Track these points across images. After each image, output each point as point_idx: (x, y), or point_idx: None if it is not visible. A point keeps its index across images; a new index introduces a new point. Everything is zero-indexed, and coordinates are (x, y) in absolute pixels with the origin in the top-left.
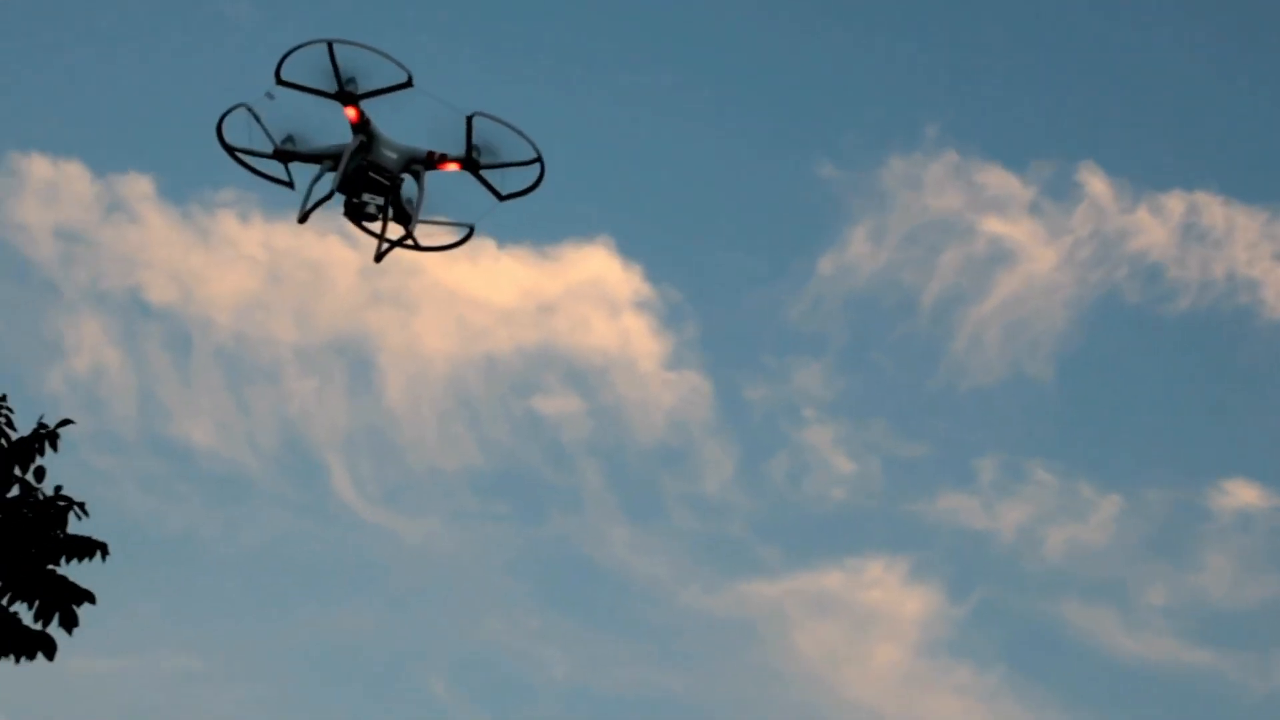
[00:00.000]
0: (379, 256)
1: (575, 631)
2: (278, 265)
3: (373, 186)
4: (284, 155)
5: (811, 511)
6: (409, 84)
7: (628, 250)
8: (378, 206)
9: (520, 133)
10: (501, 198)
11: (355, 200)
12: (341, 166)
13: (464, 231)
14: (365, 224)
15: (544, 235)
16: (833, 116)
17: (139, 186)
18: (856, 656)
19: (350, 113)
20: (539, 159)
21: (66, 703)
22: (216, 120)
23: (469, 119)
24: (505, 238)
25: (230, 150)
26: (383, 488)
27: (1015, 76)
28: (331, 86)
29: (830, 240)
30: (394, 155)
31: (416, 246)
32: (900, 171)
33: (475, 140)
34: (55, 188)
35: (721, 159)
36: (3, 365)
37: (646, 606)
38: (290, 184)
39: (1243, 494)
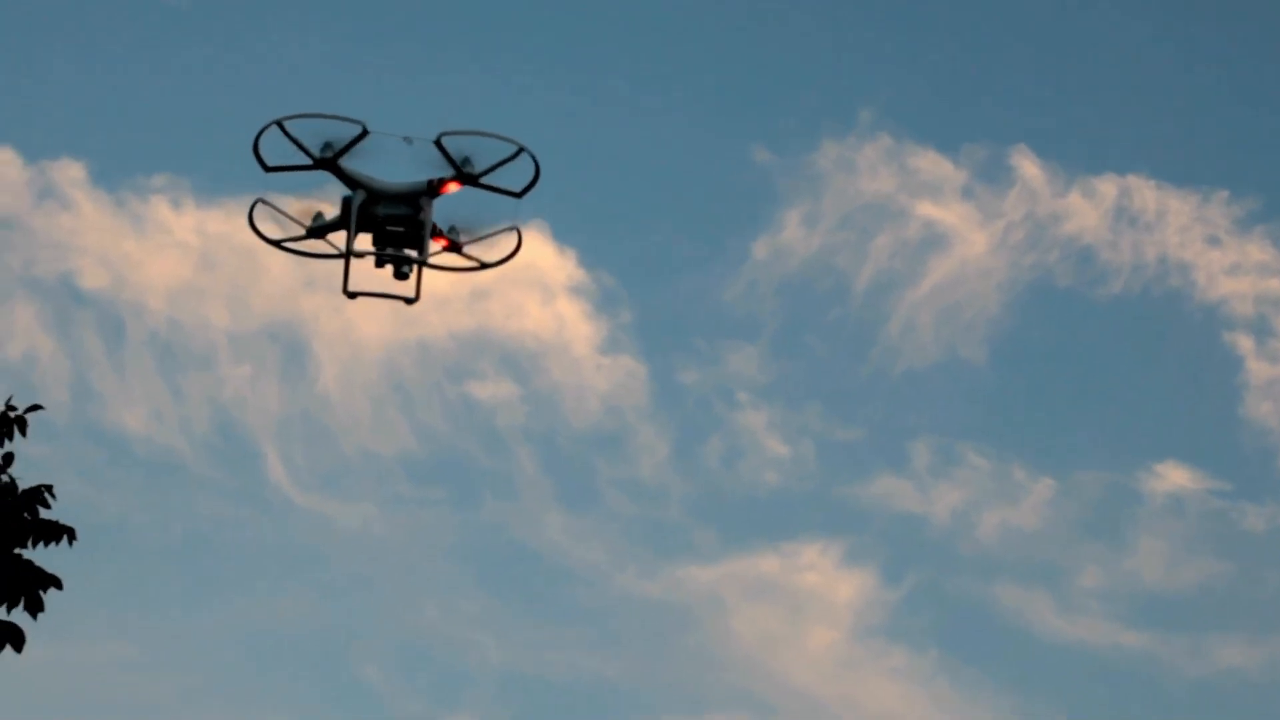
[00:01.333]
0: (417, 294)
1: (511, 617)
2: (211, 251)
3: (393, 236)
4: (316, 233)
5: (746, 495)
6: (365, 133)
7: (561, 235)
8: (400, 253)
9: (492, 135)
10: (518, 194)
11: (386, 255)
12: (351, 225)
13: (511, 235)
14: (405, 269)
15: (476, 220)
16: (767, 100)
17: (71, 172)
18: (792, 640)
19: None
20: (522, 149)
21: (29, 691)
22: (248, 220)
23: (438, 142)
24: (438, 223)
25: (275, 244)
26: (317, 473)
27: (948, 60)
28: (307, 159)
29: (764, 224)
30: (399, 199)
31: (481, 265)
32: (834, 155)
33: (456, 157)
34: None
35: (656, 143)
36: None
37: (582, 591)
38: (341, 255)
39: (1175, 477)
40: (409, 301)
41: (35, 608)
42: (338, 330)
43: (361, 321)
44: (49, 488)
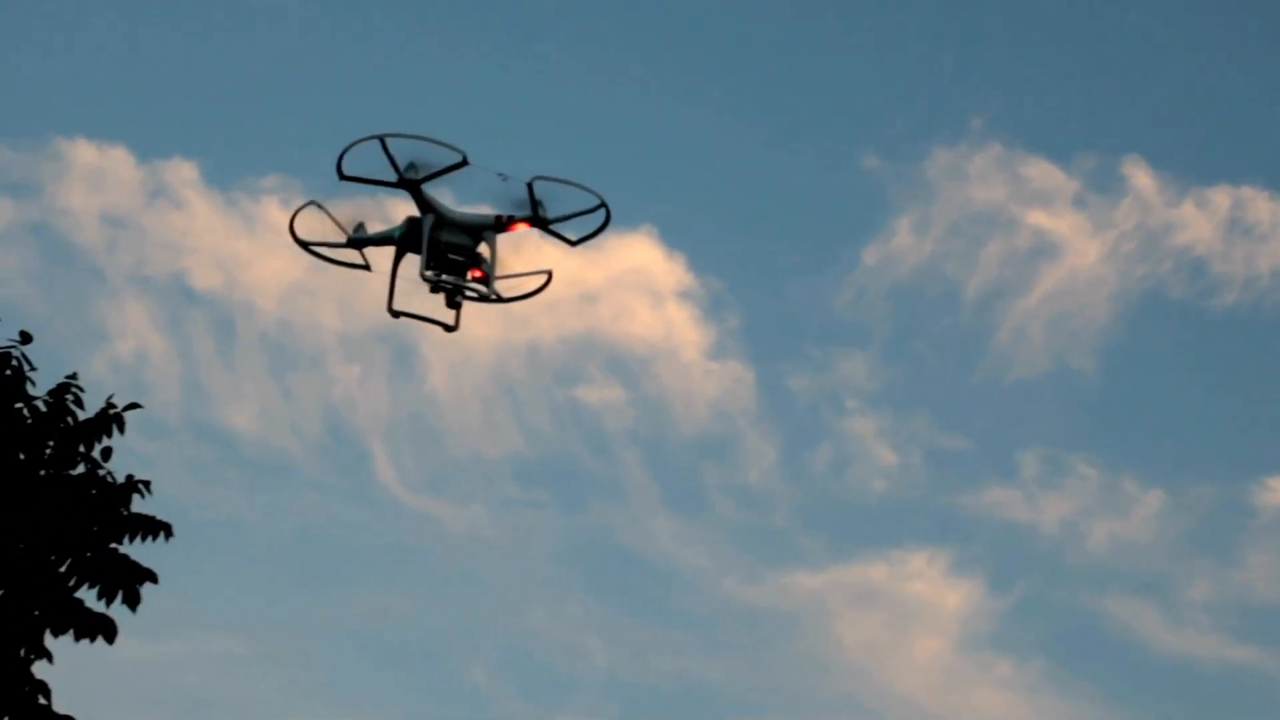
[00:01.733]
0: (456, 323)
1: (617, 621)
2: None
3: (451, 264)
4: (357, 244)
5: (854, 503)
6: (464, 163)
7: (671, 240)
8: (457, 282)
9: (581, 186)
10: (573, 243)
11: (440, 282)
12: (424, 250)
13: (543, 279)
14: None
15: (586, 225)
16: (878, 108)
17: (183, 172)
18: (898, 648)
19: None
20: (603, 204)
21: (118, 684)
22: (289, 219)
23: (529, 185)
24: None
25: (305, 245)
26: (425, 475)
27: (1060, 69)
28: (391, 176)
29: (874, 231)
30: (464, 229)
31: (499, 299)
32: (944, 163)
33: (538, 196)
34: (100, 173)
35: (766, 150)
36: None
37: (687, 596)
38: (368, 267)
39: None
40: (448, 329)
41: (133, 601)
42: (446, 333)
43: (470, 324)
44: (145, 482)
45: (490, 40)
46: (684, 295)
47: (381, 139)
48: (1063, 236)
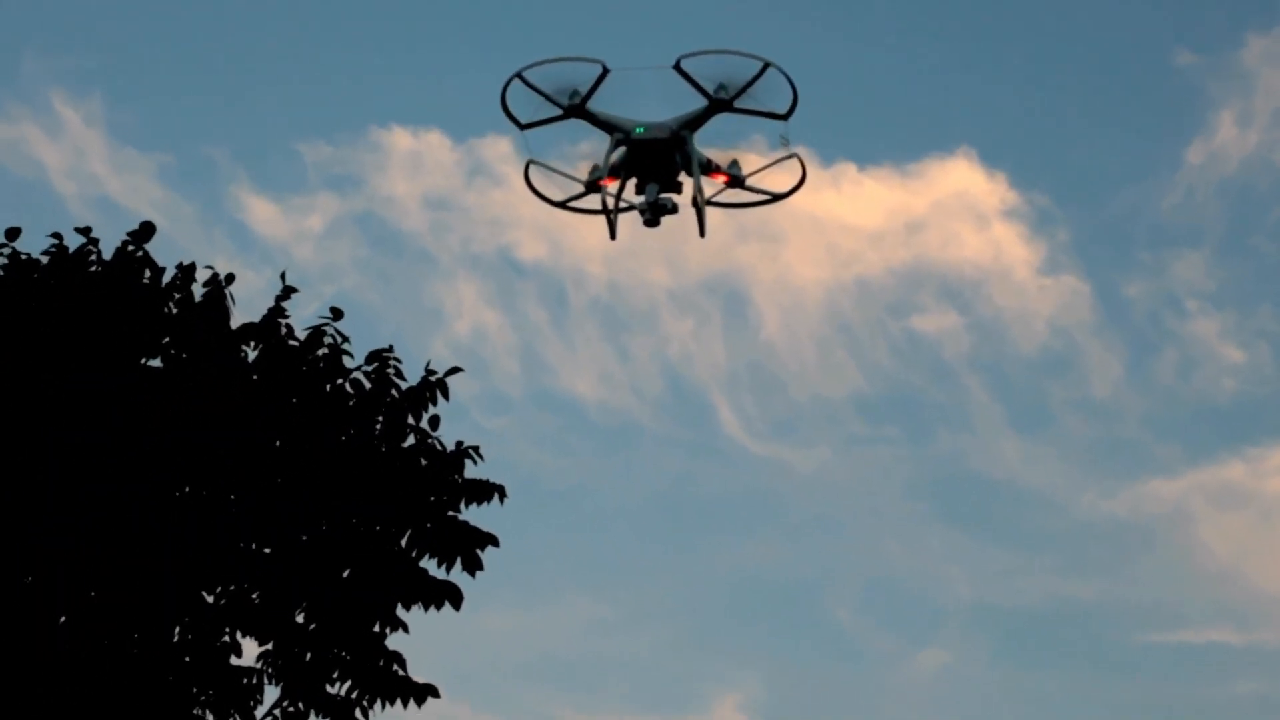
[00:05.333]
0: (702, 230)
1: (975, 548)
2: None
3: (651, 173)
4: (594, 187)
5: (1205, 405)
6: (606, 71)
7: (990, 159)
8: (668, 192)
9: (733, 52)
10: (784, 116)
11: (652, 204)
12: (606, 165)
13: (795, 166)
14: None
15: (903, 153)
16: (1190, 2)
17: (499, 148)
18: (1265, 548)
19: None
20: (769, 64)
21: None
22: (527, 184)
23: (677, 67)
24: (864, 160)
25: (558, 205)
26: (770, 421)
27: None
28: (556, 110)
29: (1195, 129)
30: (656, 130)
31: (772, 197)
32: (1260, 50)
33: (703, 83)
34: (419, 158)
35: (1072, 58)
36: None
37: (1045, 516)
38: (616, 208)
39: None
40: (700, 232)
41: (473, 566)
42: (775, 277)
43: (798, 265)
44: (474, 448)
45: None
46: (1009, 214)
47: (520, 75)
48: None
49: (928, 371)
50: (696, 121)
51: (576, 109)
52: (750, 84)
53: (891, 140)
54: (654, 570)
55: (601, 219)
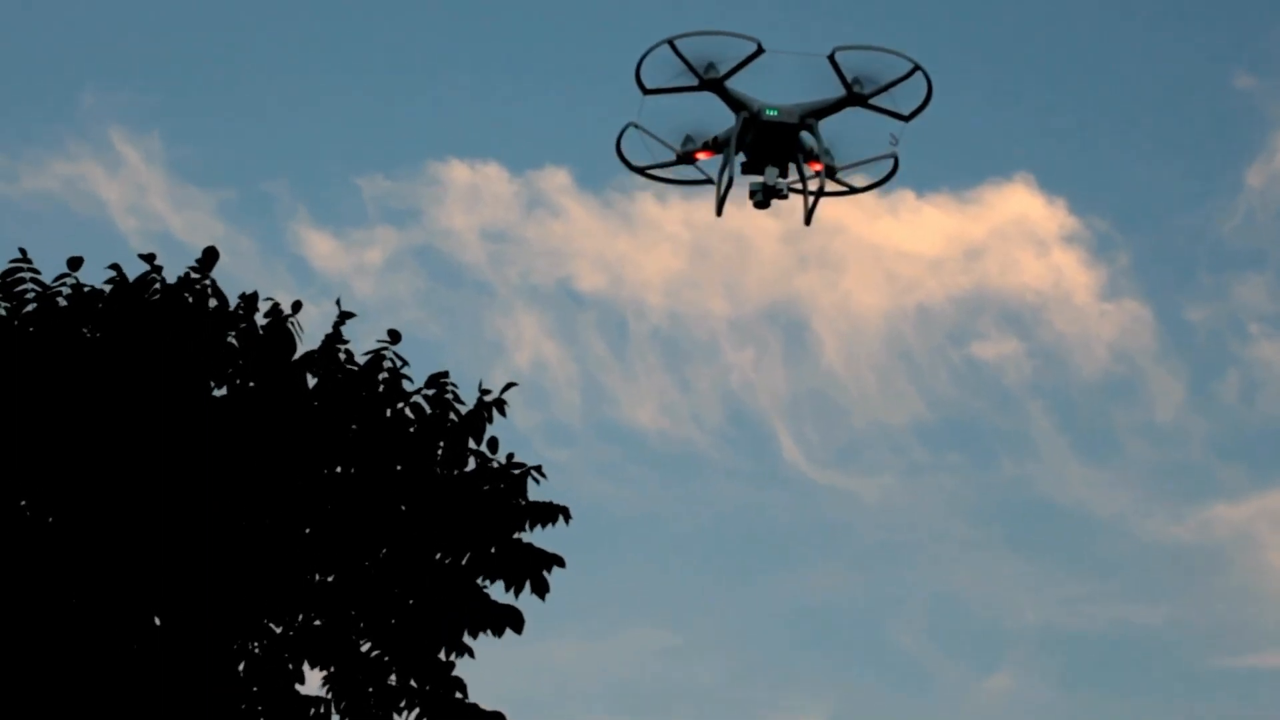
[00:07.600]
0: (809, 218)
1: (1042, 574)
2: (701, 241)
3: (770, 155)
4: (688, 158)
5: (1270, 428)
6: (760, 51)
7: (1048, 185)
8: (781, 176)
9: (889, 50)
10: (907, 117)
11: (762, 186)
12: (731, 146)
13: (888, 164)
14: (775, 198)
15: (961, 179)
16: (1248, 24)
17: (556, 179)
18: None
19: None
20: (918, 67)
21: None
22: (615, 147)
23: (831, 58)
24: (922, 186)
25: (638, 169)
26: (832, 449)
27: None
28: (693, 80)
29: (1255, 151)
30: (786, 114)
31: (850, 190)
32: None
33: (848, 75)
34: (476, 190)
35: (1133, 81)
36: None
37: (1111, 542)
38: (710, 180)
39: None
40: (807, 219)
41: (541, 589)
42: (835, 304)
43: (858, 293)
44: (537, 468)
45: None
46: (1069, 239)
47: (671, 43)
48: None
49: (990, 398)
50: (826, 110)
51: (715, 83)
52: (893, 84)
53: (949, 167)
54: (719, 599)
55: (677, 189)
